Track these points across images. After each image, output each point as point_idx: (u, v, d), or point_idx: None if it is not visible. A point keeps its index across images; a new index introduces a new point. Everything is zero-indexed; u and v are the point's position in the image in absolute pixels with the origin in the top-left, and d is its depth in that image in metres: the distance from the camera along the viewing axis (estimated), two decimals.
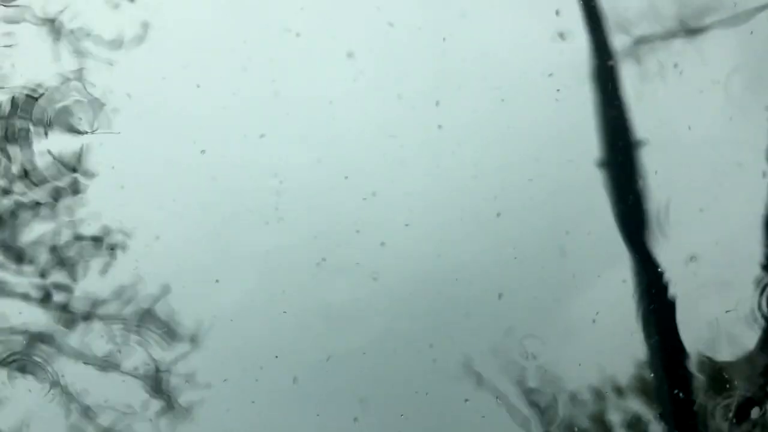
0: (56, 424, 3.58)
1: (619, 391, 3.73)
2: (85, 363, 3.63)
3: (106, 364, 3.63)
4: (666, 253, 3.71)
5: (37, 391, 3.60)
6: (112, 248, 3.70)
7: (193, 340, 3.66)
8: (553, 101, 3.75)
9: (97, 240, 3.73)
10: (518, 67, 3.79)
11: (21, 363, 3.61)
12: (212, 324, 3.66)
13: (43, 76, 3.80)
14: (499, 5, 3.84)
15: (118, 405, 3.61)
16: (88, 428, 3.60)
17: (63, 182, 3.74)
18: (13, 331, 3.65)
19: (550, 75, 3.75)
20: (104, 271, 3.70)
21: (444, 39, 3.82)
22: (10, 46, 3.83)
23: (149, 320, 3.66)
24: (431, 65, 3.82)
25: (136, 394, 3.62)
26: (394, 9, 3.85)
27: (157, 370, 3.63)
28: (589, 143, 3.74)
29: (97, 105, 3.79)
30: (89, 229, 3.71)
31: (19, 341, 3.63)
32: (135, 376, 3.63)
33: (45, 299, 3.68)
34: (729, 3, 3.80)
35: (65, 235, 3.72)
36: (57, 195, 3.74)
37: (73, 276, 3.68)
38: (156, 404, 3.63)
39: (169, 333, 3.66)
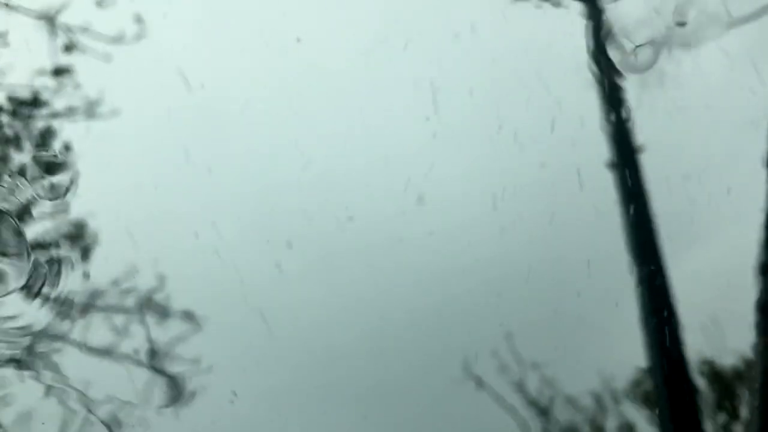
0: (58, 419, 3.53)
1: (618, 396, 3.73)
2: (87, 354, 3.59)
3: (109, 354, 3.59)
4: (667, 254, 3.74)
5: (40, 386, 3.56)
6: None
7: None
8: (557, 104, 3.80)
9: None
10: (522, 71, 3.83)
11: (23, 359, 3.56)
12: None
13: (39, 73, 3.79)
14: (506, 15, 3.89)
15: (122, 395, 3.56)
16: (91, 420, 3.56)
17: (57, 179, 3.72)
18: (13, 328, 3.59)
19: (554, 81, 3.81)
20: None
21: (443, 39, 3.85)
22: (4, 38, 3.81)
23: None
24: (434, 68, 3.85)
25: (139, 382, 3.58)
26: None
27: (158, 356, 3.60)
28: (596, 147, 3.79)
29: (91, 101, 3.78)
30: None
31: (20, 337, 3.58)
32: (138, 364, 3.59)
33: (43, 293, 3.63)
34: (725, 12, 3.87)
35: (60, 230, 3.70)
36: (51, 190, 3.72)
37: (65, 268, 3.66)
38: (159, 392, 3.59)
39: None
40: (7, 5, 3.84)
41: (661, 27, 3.91)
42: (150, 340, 3.62)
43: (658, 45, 3.91)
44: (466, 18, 3.89)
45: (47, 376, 3.55)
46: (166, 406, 3.58)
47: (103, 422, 3.52)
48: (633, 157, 3.80)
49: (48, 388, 3.54)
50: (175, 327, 3.64)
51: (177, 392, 3.58)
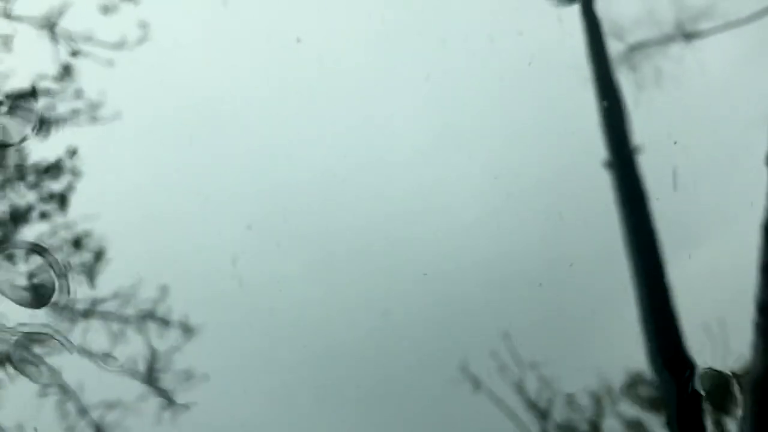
0: (54, 421, 3.57)
1: (618, 397, 3.72)
2: (83, 359, 3.63)
3: (104, 361, 3.63)
4: (667, 254, 3.72)
5: (35, 390, 3.60)
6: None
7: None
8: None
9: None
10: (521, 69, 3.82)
11: (19, 361, 3.60)
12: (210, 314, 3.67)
13: (41, 78, 3.82)
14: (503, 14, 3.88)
15: (116, 400, 3.60)
16: (86, 425, 3.59)
17: (58, 184, 3.76)
18: (10, 330, 3.64)
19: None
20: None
21: (444, 40, 3.86)
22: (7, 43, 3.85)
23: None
24: (433, 68, 3.85)
25: (133, 389, 3.62)
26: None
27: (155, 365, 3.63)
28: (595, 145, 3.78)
29: (93, 104, 3.81)
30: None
31: (16, 340, 3.63)
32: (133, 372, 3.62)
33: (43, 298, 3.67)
34: (725, 9, 3.84)
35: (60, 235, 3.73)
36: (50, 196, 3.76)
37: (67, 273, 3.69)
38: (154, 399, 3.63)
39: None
40: (9, 15, 3.88)
41: (659, 25, 3.89)
42: (148, 343, 3.66)
43: (656, 43, 3.88)
44: (465, 18, 3.90)
45: (43, 378, 3.60)
46: (165, 410, 3.62)
47: (97, 427, 3.57)
48: (631, 157, 3.79)
49: (42, 390, 3.59)
50: (174, 329, 3.67)
51: (175, 396, 3.62)
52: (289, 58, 3.90)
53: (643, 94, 3.84)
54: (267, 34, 3.91)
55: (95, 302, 3.68)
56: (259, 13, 3.95)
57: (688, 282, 3.72)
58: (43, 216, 3.78)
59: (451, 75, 3.88)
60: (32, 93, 3.80)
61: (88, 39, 3.90)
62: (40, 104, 3.83)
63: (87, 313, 3.67)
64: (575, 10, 3.93)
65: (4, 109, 3.82)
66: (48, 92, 3.86)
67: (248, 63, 3.91)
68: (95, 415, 3.59)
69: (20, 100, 3.82)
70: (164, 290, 3.69)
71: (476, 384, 3.69)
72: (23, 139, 3.82)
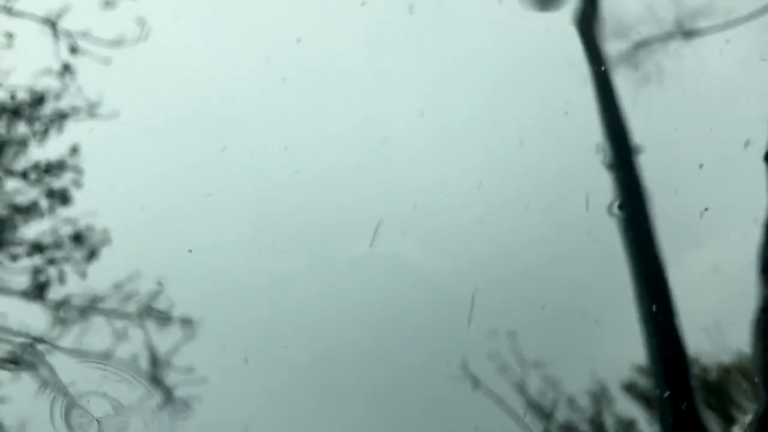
0: (53, 421, 3.58)
1: (618, 396, 3.73)
2: (82, 359, 3.63)
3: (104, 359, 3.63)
4: (667, 254, 3.73)
5: (34, 389, 3.61)
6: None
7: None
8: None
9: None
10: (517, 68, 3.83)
11: (18, 361, 3.61)
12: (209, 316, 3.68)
13: (41, 75, 3.83)
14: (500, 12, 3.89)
15: (116, 400, 3.60)
16: (84, 424, 3.60)
17: (57, 182, 3.77)
18: (9, 329, 3.64)
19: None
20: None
21: (442, 39, 3.87)
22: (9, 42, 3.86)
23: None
24: (432, 67, 3.86)
25: (133, 389, 3.63)
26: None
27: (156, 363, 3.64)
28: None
29: (92, 103, 3.82)
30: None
31: (16, 340, 3.63)
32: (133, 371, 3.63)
33: (42, 296, 3.68)
34: (725, 7, 3.84)
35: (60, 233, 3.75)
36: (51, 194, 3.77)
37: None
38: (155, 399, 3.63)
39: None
40: (9, 10, 3.89)
41: (659, 23, 3.88)
42: (148, 344, 3.66)
43: (656, 41, 3.87)
44: (464, 18, 3.90)
45: (41, 378, 3.60)
46: (164, 410, 3.62)
47: (96, 427, 3.57)
48: (631, 157, 3.78)
49: (41, 390, 3.59)
50: (174, 329, 3.68)
51: (174, 396, 3.63)
52: (289, 58, 3.89)
53: (642, 92, 3.84)
54: (267, 34, 3.91)
55: (94, 301, 3.69)
56: (259, 13, 3.95)
57: (688, 282, 3.72)
58: (43, 213, 3.79)
59: (450, 74, 3.89)
60: (36, 98, 3.82)
61: (88, 36, 3.90)
62: (42, 103, 3.84)
63: (86, 312, 3.67)
64: (574, 6, 3.92)
65: (7, 107, 3.83)
66: (49, 90, 3.87)
67: (248, 63, 3.91)
68: (94, 414, 3.60)
69: (23, 100, 3.83)
70: (164, 289, 3.70)
71: (476, 383, 3.70)
72: (25, 138, 3.82)
